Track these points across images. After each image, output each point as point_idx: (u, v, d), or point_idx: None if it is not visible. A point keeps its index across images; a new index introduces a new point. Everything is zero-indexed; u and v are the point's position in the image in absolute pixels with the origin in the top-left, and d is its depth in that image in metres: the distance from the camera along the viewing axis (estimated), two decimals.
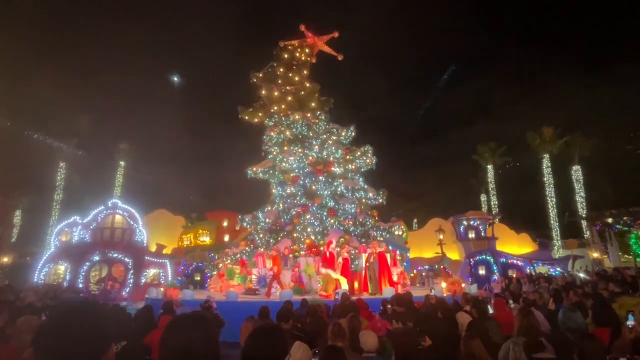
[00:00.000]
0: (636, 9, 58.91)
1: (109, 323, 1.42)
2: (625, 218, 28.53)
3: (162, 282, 21.03)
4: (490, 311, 6.80)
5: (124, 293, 20.08)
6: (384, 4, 72.48)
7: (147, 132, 44.82)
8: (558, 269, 24.43)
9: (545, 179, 33.64)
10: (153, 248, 24.76)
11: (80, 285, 19.75)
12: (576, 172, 33.99)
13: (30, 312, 5.74)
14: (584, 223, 32.45)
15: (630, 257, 27.11)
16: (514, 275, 21.73)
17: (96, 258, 21.21)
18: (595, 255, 28.60)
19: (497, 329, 4.43)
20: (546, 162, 33.79)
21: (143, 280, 21.77)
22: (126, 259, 21.54)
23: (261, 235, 18.55)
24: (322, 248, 16.13)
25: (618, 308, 6.99)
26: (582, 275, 19.10)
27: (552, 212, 32.84)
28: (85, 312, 1.37)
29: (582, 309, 5.47)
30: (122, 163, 38.23)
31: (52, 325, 1.33)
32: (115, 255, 21.46)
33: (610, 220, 29.19)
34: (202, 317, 1.63)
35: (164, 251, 25.30)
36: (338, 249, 15.45)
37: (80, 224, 22.93)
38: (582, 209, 33.16)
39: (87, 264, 20.94)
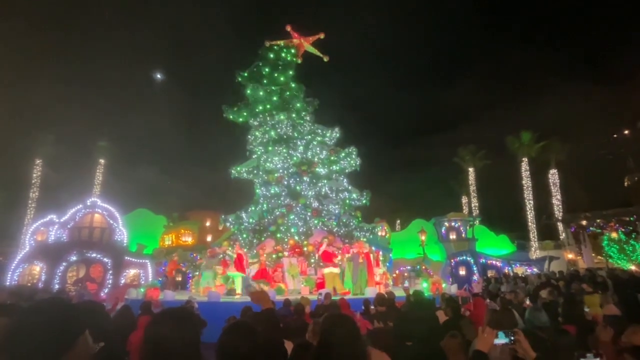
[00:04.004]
0: (616, 20, 61.25)
1: (73, 319, 1.41)
2: (598, 220, 29.65)
3: (143, 282, 20.64)
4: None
5: (102, 294, 19.61)
6: (367, 8, 73.16)
7: (128, 130, 43.98)
8: (535, 269, 25.16)
9: (523, 182, 34.57)
10: (133, 248, 24.27)
11: (57, 286, 19.17)
12: (553, 176, 35.07)
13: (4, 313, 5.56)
14: (559, 225, 33.53)
15: (603, 258, 28.15)
16: (493, 275, 22.28)
17: (73, 258, 20.63)
18: (570, 256, 29.60)
19: (470, 327, 4.56)
20: (525, 166, 34.73)
21: (122, 281, 21.30)
22: (105, 259, 21.03)
23: (244, 236, 18.45)
24: (305, 248, 16.17)
25: (589, 306, 7.30)
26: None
27: (530, 215, 33.76)
28: (46, 310, 1.37)
29: (555, 307, 5.69)
30: (101, 161, 37.28)
31: (14, 326, 1.34)
32: (94, 255, 20.93)
33: (584, 222, 30.29)
34: (186, 314, 1.66)
35: (145, 251, 24.83)
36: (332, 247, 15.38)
37: (57, 223, 22.26)
38: (558, 211, 34.23)
39: (64, 264, 20.35)
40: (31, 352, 1.25)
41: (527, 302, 9.69)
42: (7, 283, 19.25)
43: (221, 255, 17.32)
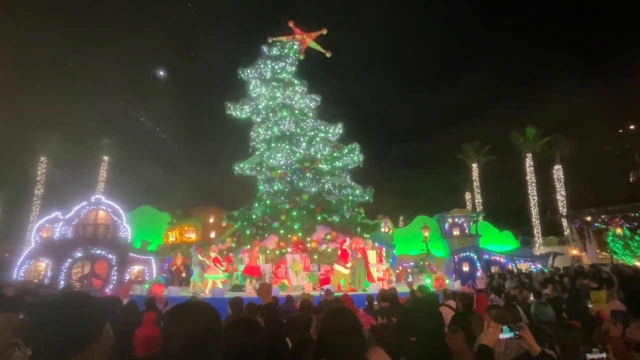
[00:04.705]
0: (621, 17, 60.56)
1: (98, 310, 1.44)
2: (603, 216, 29.49)
3: (147, 279, 20.78)
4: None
5: (107, 290, 19.77)
6: (371, 4, 72.72)
7: (132, 127, 44.09)
8: (538, 265, 25.10)
9: (527, 177, 34.38)
10: (138, 245, 24.40)
11: (62, 283, 19.34)
12: (557, 172, 34.85)
13: (9, 308, 5.60)
14: (564, 221, 33.36)
15: (607, 254, 28.01)
16: (496, 271, 22.25)
17: (79, 255, 20.79)
18: (575, 252, 29.46)
19: (480, 323, 4.56)
20: (529, 162, 34.52)
21: (127, 277, 21.45)
22: (110, 256, 21.17)
23: (247, 232, 18.50)
24: (308, 245, 16.22)
25: (595, 302, 7.27)
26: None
27: (534, 210, 33.60)
28: (74, 301, 1.42)
29: (560, 303, 5.68)
30: (105, 158, 37.45)
31: (45, 315, 1.36)
32: (99, 251, 21.08)
33: (589, 218, 30.13)
34: (207, 305, 1.68)
35: (149, 248, 24.97)
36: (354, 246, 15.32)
37: (62, 220, 22.40)
38: (562, 207, 34.04)
39: (69, 260, 20.51)
40: (62, 340, 1.28)
41: (531, 297, 9.67)
42: (14, 279, 19.43)
43: (225, 252, 17.42)
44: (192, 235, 28.66)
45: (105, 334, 1.40)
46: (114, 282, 20.64)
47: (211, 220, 30.05)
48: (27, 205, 33.55)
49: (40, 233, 23.20)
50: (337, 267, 14.39)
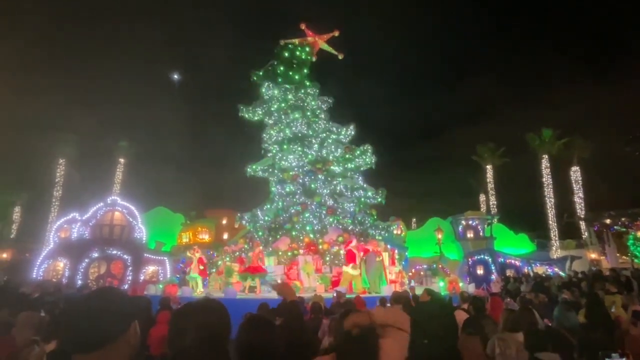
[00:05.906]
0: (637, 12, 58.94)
1: (129, 305, 1.47)
2: (623, 219, 28.60)
3: (161, 279, 21.06)
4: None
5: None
6: (386, 4, 72.41)
7: (146, 130, 44.89)
8: (555, 269, 24.52)
9: (544, 179, 33.71)
10: (152, 245, 24.78)
11: (79, 282, 19.77)
12: (575, 173, 34.07)
13: (30, 306, 5.76)
14: (582, 224, 32.52)
15: (628, 258, 27.18)
16: (512, 275, 21.84)
17: (95, 255, 21.23)
18: (593, 256, 28.68)
19: (493, 327, 4.48)
20: (545, 163, 33.85)
21: (142, 277, 21.80)
22: (125, 256, 21.57)
23: (260, 233, 18.60)
24: (320, 246, 16.18)
25: (609, 306, 7.08)
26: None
27: (551, 213, 32.89)
28: (107, 294, 1.45)
29: (577, 307, 5.53)
30: (121, 160, 38.20)
31: (79, 307, 1.39)
32: (114, 252, 21.49)
33: (608, 221, 29.26)
34: (216, 301, 1.70)
35: (163, 248, 25.34)
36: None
37: (80, 221, 22.92)
38: (580, 210, 33.23)
39: (86, 260, 20.97)
40: (93, 330, 1.31)
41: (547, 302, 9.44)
42: (33, 278, 19.95)
43: (237, 253, 17.54)
44: (205, 237, 28.96)
45: (133, 330, 1.42)
46: (129, 282, 20.99)
47: (224, 222, 30.31)
48: (46, 206, 34.43)
49: (59, 233, 23.78)
50: (345, 268, 14.27)
